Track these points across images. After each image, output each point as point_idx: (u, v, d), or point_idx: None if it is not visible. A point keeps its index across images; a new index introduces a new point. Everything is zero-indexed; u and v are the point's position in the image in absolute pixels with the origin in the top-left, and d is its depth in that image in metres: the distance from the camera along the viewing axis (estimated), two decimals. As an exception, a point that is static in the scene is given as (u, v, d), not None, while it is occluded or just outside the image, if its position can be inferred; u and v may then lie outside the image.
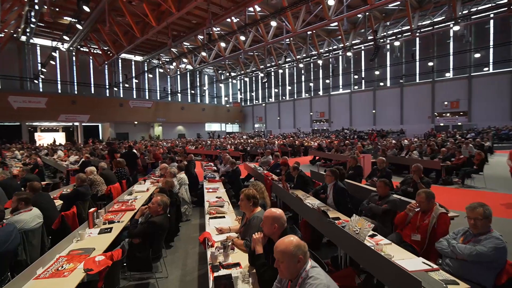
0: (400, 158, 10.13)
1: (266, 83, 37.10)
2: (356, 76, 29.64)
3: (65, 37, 19.48)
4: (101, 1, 17.63)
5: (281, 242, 1.66)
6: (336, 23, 19.54)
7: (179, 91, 35.25)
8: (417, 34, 21.32)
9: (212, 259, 2.46)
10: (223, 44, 22.20)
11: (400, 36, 21.12)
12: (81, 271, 2.35)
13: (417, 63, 26.15)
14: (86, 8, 13.05)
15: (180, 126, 37.97)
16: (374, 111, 29.55)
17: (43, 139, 27.27)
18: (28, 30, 21.19)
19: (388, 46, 25.44)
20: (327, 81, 32.45)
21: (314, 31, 22.94)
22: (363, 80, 29.74)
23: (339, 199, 4.32)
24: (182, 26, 23.16)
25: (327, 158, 12.51)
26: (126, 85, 30.54)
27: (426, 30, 20.75)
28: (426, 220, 3.01)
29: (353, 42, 23.95)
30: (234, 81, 40.32)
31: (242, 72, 32.97)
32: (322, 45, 26.14)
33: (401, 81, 27.45)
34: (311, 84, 33.86)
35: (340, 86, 32.16)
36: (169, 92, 35.09)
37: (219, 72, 38.97)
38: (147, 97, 34.48)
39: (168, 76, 35.96)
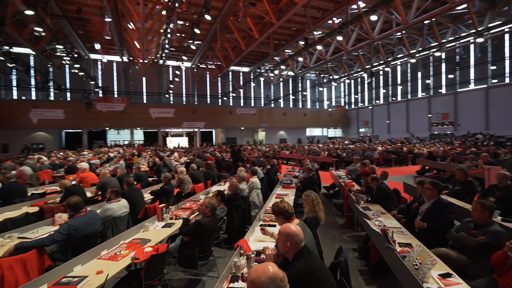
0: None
1: (374, 84, 33.90)
2: (494, 67, 23.38)
3: (184, 57, 23.32)
4: (214, 22, 20.27)
5: (254, 270, 1.40)
6: (464, 5, 16.15)
7: (281, 97, 36.51)
8: None
9: (235, 269, 2.39)
10: (319, 47, 21.65)
11: None
12: (129, 258, 2.70)
13: None
14: (197, 30, 15.35)
15: (282, 131, 39.13)
16: (524, 110, 22.59)
17: (172, 142, 33.32)
18: (163, 55, 26.45)
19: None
20: (451, 76, 26.85)
21: (433, 19, 19.56)
22: (506, 72, 23.21)
23: (438, 218, 3.38)
24: (283, 34, 24.00)
25: (440, 169, 10.34)
26: (234, 95, 33.96)
27: None
28: (540, 268, 2.06)
29: (490, 25, 19.03)
30: (336, 84, 38.65)
31: (346, 74, 31.28)
32: (445, 35, 21.92)
33: None
34: (429, 81, 28.77)
35: (471, 81, 26.04)
36: (272, 98, 36.78)
37: (321, 76, 38.22)
38: (252, 105, 37.25)
39: (271, 84, 37.78)
